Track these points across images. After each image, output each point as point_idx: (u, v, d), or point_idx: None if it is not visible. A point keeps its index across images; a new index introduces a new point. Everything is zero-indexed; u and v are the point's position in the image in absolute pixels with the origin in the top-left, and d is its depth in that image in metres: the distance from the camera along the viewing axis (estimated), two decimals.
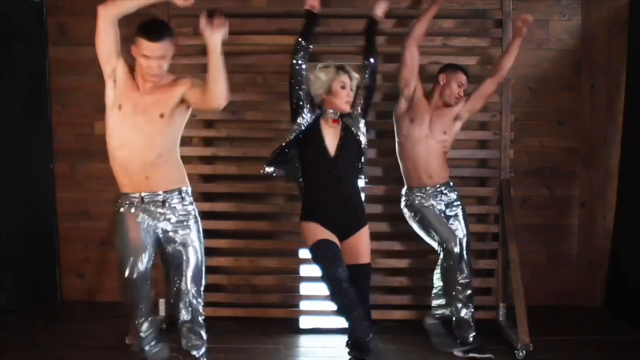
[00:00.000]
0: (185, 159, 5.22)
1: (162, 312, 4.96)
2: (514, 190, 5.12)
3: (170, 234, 3.53)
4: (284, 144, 4.07)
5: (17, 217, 5.33)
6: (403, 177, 4.64)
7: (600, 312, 5.33)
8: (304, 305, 5.00)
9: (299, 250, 4.97)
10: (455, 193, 4.64)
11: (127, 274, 3.51)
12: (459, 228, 4.55)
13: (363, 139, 4.15)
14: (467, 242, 4.51)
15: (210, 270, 5.22)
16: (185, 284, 3.57)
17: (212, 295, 5.13)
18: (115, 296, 5.43)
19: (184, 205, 3.55)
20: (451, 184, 4.65)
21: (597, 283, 5.46)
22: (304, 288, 5.00)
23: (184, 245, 3.55)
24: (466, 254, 4.45)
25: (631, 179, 5.14)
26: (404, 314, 5.05)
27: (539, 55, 5.39)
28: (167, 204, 3.51)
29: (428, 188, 4.55)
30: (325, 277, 3.90)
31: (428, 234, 4.51)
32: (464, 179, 5.20)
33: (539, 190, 5.46)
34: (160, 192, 3.51)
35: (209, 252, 5.16)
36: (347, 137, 4.09)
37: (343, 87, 4.02)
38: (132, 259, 3.51)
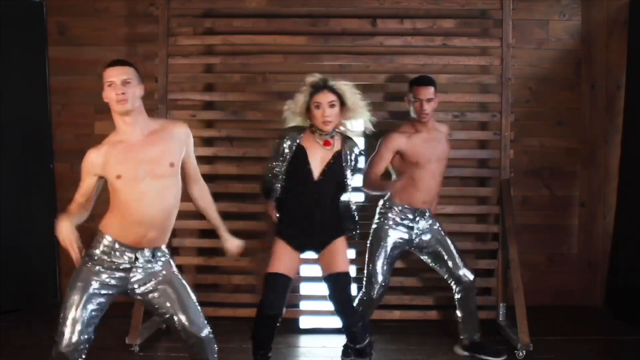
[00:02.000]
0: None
1: None
2: (514, 190, 5.12)
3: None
4: (271, 175, 3.88)
5: (17, 217, 5.33)
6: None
7: (600, 312, 5.33)
8: (304, 305, 5.00)
9: None
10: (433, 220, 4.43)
11: None
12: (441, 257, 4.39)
13: (348, 175, 3.88)
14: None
15: (210, 270, 5.23)
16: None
17: (212, 295, 5.13)
18: None
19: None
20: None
21: (597, 283, 5.46)
22: (304, 288, 5.00)
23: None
24: None
25: (631, 179, 5.14)
26: (404, 314, 5.05)
27: (539, 55, 5.39)
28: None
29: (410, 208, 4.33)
30: (259, 306, 3.82)
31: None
32: (464, 179, 5.20)
33: (539, 190, 5.46)
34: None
35: (209, 252, 5.18)
36: (336, 164, 3.83)
37: (317, 107, 3.72)
38: None
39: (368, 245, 4.37)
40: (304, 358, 4.50)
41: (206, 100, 5.27)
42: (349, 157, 3.85)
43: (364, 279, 4.34)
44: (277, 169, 3.83)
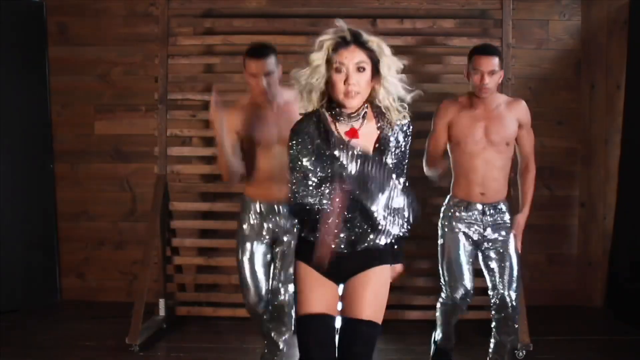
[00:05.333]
0: (186, 159, 5.28)
1: (162, 312, 4.95)
2: (514, 190, 5.11)
3: None
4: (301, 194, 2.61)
5: (17, 217, 5.33)
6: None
7: (600, 312, 5.33)
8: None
9: None
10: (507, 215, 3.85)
11: None
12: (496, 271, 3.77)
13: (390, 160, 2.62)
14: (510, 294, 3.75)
15: (210, 270, 5.23)
16: None
17: (212, 295, 5.13)
18: (115, 296, 5.45)
19: None
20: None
21: (597, 283, 5.46)
22: None
23: None
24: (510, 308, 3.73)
25: (631, 179, 5.14)
26: (404, 314, 5.05)
27: (539, 55, 5.39)
28: None
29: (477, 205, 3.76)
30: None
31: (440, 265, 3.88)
32: None
33: (539, 190, 5.41)
34: None
35: (209, 252, 5.18)
36: (375, 155, 2.59)
37: (338, 71, 2.52)
38: None
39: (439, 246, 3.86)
40: None
41: (206, 100, 5.27)
42: (394, 137, 2.62)
43: (442, 285, 3.86)
44: (307, 182, 2.59)
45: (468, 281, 3.76)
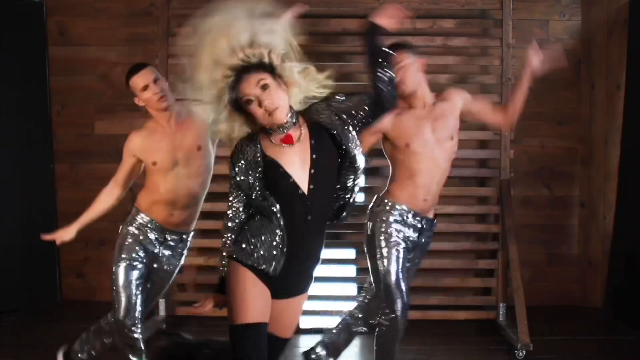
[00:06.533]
0: None
1: (162, 312, 4.95)
2: (514, 190, 5.12)
3: None
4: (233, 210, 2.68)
5: (17, 217, 5.33)
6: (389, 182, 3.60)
7: (600, 312, 5.33)
8: (303, 305, 4.99)
9: None
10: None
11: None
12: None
13: (356, 152, 2.64)
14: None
15: (210, 270, 5.23)
16: None
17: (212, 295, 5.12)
18: None
19: None
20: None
21: (597, 283, 5.46)
22: None
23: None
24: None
25: (631, 179, 5.14)
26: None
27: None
28: None
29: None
30: None
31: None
32: (464, 179, 5.20)
33: (539, 190, 5.46)
34: None
35: (209, 252, 5.18)
36: (318, 147, 2.61)
37: (249, 103, 2.54)
38: None
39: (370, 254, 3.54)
40: None
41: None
42: (333, 120, 2.62)
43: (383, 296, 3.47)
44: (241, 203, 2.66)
45: (405, 295, 3.42)
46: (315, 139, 2.60)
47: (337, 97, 2.68)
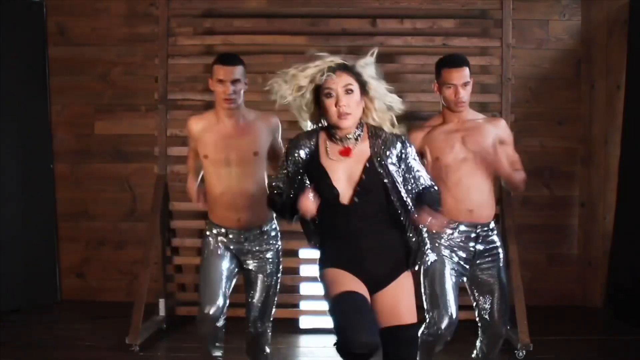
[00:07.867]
0: (186, 159, 5.25)
1: (162, 312, 4.95)
2: (514, 190, 5.12)
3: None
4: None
5: (17, 217, 5.33)
6: None
7: (600, 312, 5.33)
8: (304, 305, 5.00)
9: (299, 251, 4.97)
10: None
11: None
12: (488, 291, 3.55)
13: (396, 175, 2.75)
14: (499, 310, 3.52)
15: None
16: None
17: None
18: (115, 296, 5.46)
19: None
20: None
21: (597, 283, 5.46)
22: (304, 288, 4.99)
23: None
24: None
25: (631, 179, 5.14)
26: None
27: (539, 55, 5.39)
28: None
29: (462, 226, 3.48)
30: (339, 348, 2.60)
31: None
32: None
33: (539, 190, 5.46)
34: None
35: None
36: (371, 174, 2.73)
37: (329, 96, 2.70)
38: None
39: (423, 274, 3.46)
40: (304, 358, 4.50)
41: (206, 100, 5.27)
42: (387, 155, 2.75)
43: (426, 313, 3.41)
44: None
45: (454, 310, 3.40)
46: (371, 164, 2.73)
47: (410, 147, 2.82)
